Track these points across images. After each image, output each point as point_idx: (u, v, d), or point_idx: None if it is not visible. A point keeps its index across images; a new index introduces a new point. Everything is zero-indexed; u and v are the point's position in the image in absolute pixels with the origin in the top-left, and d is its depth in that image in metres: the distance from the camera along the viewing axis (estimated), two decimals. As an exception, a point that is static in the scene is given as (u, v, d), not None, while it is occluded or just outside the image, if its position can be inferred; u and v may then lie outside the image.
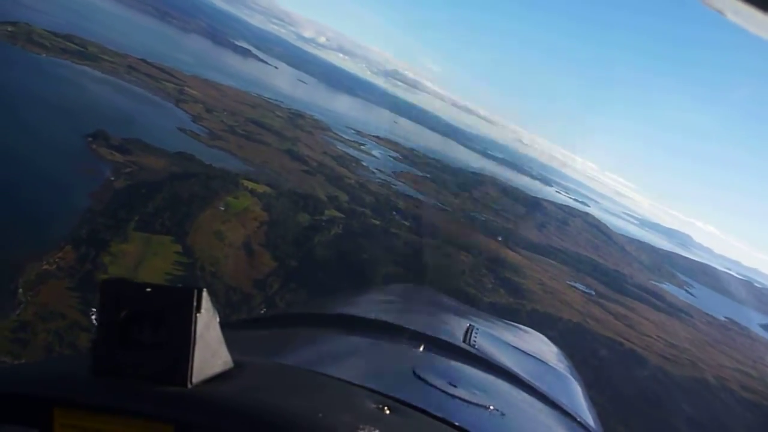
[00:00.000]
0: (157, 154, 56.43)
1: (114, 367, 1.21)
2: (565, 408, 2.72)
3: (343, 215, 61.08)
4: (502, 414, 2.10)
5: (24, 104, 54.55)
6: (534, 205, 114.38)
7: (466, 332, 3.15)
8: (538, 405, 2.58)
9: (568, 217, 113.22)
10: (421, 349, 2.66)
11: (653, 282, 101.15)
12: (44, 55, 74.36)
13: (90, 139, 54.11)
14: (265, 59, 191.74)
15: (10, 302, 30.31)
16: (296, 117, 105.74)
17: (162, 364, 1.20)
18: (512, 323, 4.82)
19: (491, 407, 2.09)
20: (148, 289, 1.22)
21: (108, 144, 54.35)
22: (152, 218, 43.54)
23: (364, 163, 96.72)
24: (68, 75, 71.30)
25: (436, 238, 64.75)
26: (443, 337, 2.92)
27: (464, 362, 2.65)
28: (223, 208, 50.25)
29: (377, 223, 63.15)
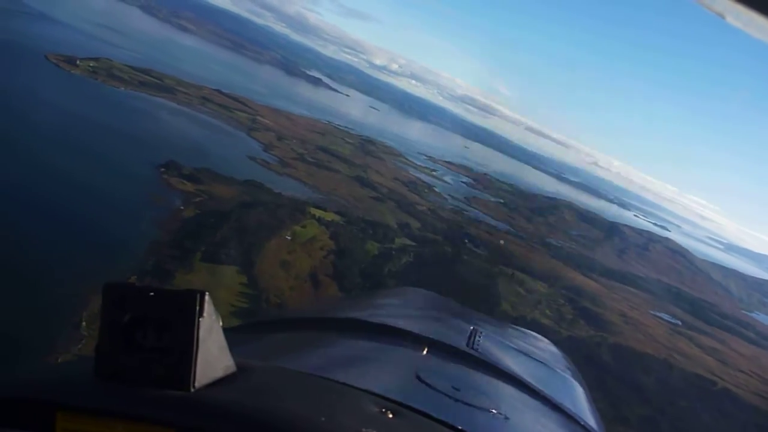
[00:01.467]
0: (227, 183, 56.86)
1: (117, 371, 1.22)
2: (568, 412, 2.69)
3: (414, 243, 59.81)
4: (506, 418, 2.11)
5: (101, 137, 56.11)
6: (612, 230, 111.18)
7: (470, 336, 3.15)
8: (542, 409, 2.57)
9: (648, 243, 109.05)
10: (425, 352, 2.65)
11: (743, 311, 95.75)
12: (123, 88, 77.07)
13: (162, 169, 55.04)
14: (336, 88, 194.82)
15: (73, 336, 30.31)
16: (366, 144, 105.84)
17: (165, 368, 1.21)
18: (516, 327, 4.82)
19: (495, 411, 2.10)
20: (151, 293, 1.22)
21: (179, 173, 55.16)
22: (218, 248, 43.39)
23: (436, 189, 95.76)
24: (145, 107, 73.47)
25: (510, 266, 62.78)
26: (447, 341, 2.90)
27: (468, 366, 2.65)
28: (289, 238, 49.73)
29: (449, 250, 61.58)
